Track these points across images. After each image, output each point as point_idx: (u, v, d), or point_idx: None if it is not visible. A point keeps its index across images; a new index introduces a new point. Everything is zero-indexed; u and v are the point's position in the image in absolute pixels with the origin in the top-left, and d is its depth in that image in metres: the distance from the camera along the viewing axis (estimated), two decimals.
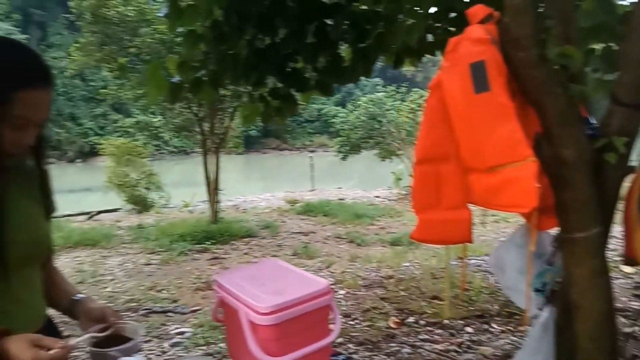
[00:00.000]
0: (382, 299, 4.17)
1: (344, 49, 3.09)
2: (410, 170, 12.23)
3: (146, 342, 3.53)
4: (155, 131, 10.00)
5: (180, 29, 2.69)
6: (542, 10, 1.61)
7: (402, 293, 4.31)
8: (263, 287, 1.06)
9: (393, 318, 3.68)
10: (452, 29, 2.95)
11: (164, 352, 3.39)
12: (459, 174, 1.53)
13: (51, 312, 1.19)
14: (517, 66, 1.37)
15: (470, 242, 1.60)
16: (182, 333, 3.70)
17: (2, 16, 40.14)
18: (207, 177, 8.06)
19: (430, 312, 3.78)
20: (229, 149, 10.08)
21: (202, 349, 3.37)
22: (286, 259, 5.97)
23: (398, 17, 2.87)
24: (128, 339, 1.10)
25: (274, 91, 2.93)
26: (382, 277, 4.90)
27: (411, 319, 3.68)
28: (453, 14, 2.92)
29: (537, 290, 1.58)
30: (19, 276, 1.00)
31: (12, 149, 0.95)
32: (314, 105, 39.72)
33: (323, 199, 11.48)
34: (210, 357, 3.06)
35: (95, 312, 1.15)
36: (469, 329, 3.44)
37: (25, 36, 38.70)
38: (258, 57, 2.74)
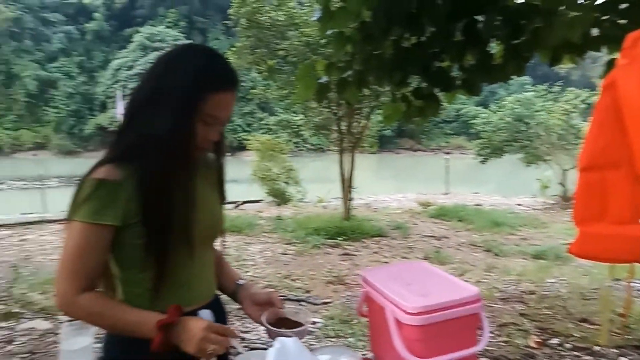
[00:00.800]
0: (522, 315, 3.87)
1: (494, 46, 2.93)
2: (559, 177, 11.18)
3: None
4: (296, 129, 10.53)
5: (328, 31, 2.78)
6: None
7: (545, 311, 3.96)
8: (410, 287, 1.06)
9: (534, 337, 3.40)
10: (622, 21, 2.62)
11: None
12: (630, 184, 1.35)
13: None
14: None
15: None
16: (313, 323, 3.85)
17: (171, 24, 45.78)
18: (342, 175, 8.27)
19: (578, 335, 3.41)
20: (363, 148, 10.22)
21: (332, 341, 3.47)
22: None
23: (559, 9, 2.63)
24: (294, 322, 1.19)
25: (417, 91, 2.89)
26: (522, 291, 4.56)
27: (555, 341, 3.36)
28: (624, 5, 2.59)
29: None
30: (199, 253, 1.14)
31: (201, 143, 1.08)
32: (452, 105, 38.35)
33: (458, 203, 11.04)
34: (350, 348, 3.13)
35: (260, 297, 1.25)
36: None
37: (189, 41, 43.68)
38: (403, 57, 2.73)
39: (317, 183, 13.73)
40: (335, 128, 8.37)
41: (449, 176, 15.33)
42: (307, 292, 4.72)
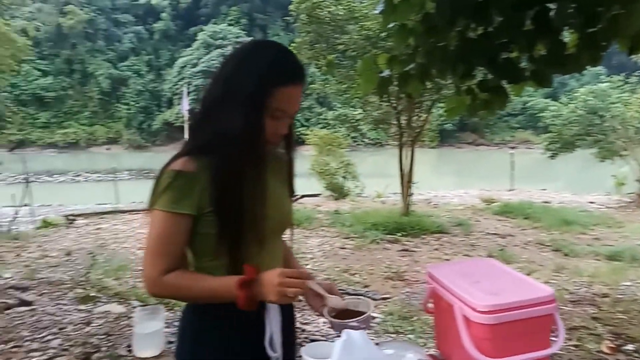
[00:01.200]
0: (594, 318, 3.67)
1: (567, 35, 2.77)
2: (637, 173, 10.46)
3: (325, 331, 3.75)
4: (355, 123, 10.50)
5: (390, 24, 2.74)
6: None
7: (620, 315, 3.72)
8: (478, 285, 1.03)
9: (607, 342, 3.21)
10: None
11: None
12: None
13: None
14: None
15: None
16: (372, 318, 3.84)
17: (233, 21, 46.96)
18: (401, 170, 8.17)
19: None
20: (422, 143, 10.03)
21: (391, 336, 3.45)
22: None
23: None
24: (356, 312, 1.18)
25: (483, 83, 2.79)
26: (594, 294, 4.31)
27: (630, 347, 3.16)
28: None
29: None
30: (268, 245, 1.17)
31: (270, 138, 1.11)
32: (518, 98, 36.77)
33: (524, 200, 10.60)
34: (415, 343, 3.11)
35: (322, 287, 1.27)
36: None
37: (250, 38, 44.66)
38: (468, 48, 2.64)
39: (375, 178, 13.66)
40: (395, 122, 8.28)
41: (514, 172, 14.72)
42: (366, 287, 4.72)
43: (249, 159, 1.08)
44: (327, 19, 7.78)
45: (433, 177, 18.06)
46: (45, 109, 41.85)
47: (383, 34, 7.05)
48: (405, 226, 7.15)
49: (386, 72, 2.69)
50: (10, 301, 3.54)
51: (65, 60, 43.85)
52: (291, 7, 8.28)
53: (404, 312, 3.89)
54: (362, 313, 1.17)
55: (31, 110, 40.88)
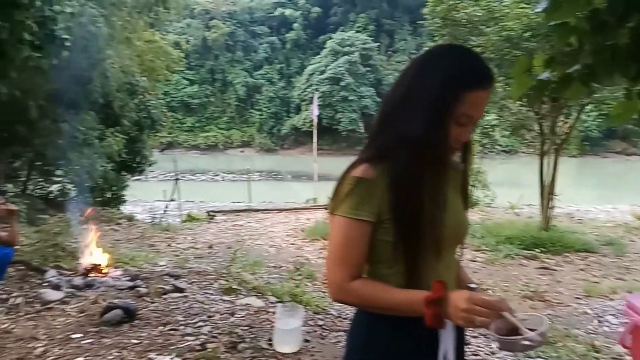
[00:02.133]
0: None
1: None
2: None
3: (475, 338, 3.57)
4: (488, 129, 9.95)
5: (550, 23, 2.53)
6: None
7: None
8: None
9: None
10: None
11: (493, 354, 3.37)
12: None
13: None
14: None
15: None
16: (546, 335, 3.57)
17: (360, 28, 47.57)
18: (541, 180, 7.53)
19: None
20: (562, 151, 9.15)
21: None
22: (636, 286, 5.04)
23: None
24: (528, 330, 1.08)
25: None
26: None
27: None
28: None
29: None
30: (445, 257, 1.14)
31: (452, 144, 1.07)
32: None
33: None
34: None
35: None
36: None
37: (377, 44, 44.88)
38: None
39: (506, 187, 12.85)
40: (536, 128, 7.67)
41: None
42: None
43: (429, 165, 1.05)
44: (464, 20, 7.49)
45: (575, 189, 16.37)
46: (191, 115, 46.44)
47: (526, 34, 6.59)
48: (545, 242, 6.61)
49: (544, 75, 2.47)
50: (166, 287, 3.94)
51: (209, 70, 48.25)
52: (425, 10, 8.12)
53: (548, 336, 3.56)
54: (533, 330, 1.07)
55: (179, 116, 45.56)
